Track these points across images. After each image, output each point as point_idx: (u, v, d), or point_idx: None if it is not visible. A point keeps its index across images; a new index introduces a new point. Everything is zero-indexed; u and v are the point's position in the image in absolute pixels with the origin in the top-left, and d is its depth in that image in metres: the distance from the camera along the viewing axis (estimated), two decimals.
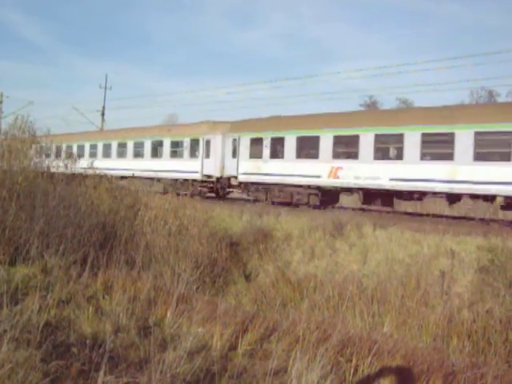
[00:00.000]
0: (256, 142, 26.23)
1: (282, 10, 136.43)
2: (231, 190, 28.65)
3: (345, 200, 26.33)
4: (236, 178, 27.04)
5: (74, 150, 35.19)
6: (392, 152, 21.37)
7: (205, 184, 28.96)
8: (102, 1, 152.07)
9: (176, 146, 30.62)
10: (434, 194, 20.03)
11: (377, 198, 22.23)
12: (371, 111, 23.84)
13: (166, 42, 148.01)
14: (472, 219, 19.22)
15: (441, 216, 20.37)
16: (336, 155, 22.75)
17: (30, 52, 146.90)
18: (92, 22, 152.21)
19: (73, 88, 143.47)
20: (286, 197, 24.83)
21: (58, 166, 15.16)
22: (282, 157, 24.88)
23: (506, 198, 17.81)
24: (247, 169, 26.45)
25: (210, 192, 29.34)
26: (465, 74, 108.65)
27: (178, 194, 18.76)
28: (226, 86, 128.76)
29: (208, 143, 28.51)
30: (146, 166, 31.72)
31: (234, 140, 27.23)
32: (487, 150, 18.39)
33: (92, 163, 18.13)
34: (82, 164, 16.87)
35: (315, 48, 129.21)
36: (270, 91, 73.00)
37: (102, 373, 4.57)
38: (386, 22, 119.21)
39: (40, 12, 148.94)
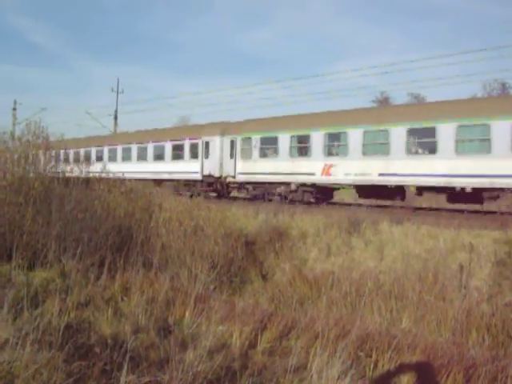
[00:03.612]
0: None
1: (292, 7, 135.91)
2: None
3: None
4: None
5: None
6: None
7: None
8: (112, 5, 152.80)
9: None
10: None
11: None
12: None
13: (176, 44, 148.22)
14: (489, 213, 19.04)
15: (459, 210, 20.19)
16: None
17: (41, 57, 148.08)
18: (103, 25, 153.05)
19: (85, 93, 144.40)
20: None
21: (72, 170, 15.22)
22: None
23: None
24: None
25: None
26: (477, 67, 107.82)
27: None
28: (238, 87, 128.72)
29: None
30: None
31: None
32: None
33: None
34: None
35: (327, 45, 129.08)
36: (280, 91, 73.76)
37: (124, 372, 4.62)
38: (400, 17, 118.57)
39: (51, 17, 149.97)
